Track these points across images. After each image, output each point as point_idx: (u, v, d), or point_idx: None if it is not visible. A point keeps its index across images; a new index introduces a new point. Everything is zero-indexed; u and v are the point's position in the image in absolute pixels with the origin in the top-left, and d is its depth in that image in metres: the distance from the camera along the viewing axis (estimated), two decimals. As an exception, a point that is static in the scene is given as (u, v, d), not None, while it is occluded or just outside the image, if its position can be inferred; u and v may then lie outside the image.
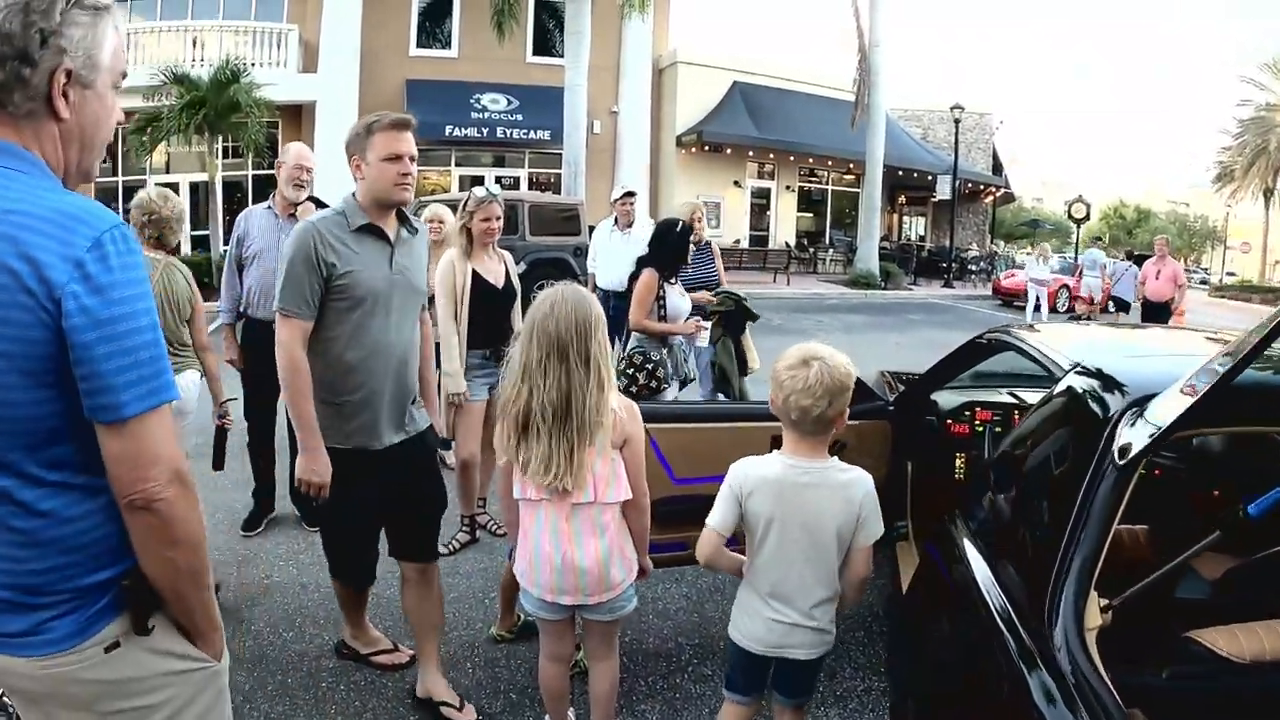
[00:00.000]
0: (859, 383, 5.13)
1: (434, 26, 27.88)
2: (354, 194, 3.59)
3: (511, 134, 26.96)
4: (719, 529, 3.00)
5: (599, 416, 3.00)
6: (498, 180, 26.19)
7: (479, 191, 5.48)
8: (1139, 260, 19.81)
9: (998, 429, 4.78)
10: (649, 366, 6.28)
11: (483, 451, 5.54)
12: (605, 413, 3.02)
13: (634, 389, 6.15)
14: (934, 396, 4.96)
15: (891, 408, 4.81)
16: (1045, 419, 3.00)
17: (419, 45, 27.51)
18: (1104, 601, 2.19)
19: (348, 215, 3.53)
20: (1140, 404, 2.35)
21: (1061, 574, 2.13)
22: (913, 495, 4.78)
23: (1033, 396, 5.04)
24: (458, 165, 28.25)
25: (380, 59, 25.28)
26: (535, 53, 28.44)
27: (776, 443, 3.40)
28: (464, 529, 5.79)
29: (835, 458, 3.05)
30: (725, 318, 7.05)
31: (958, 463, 4.88)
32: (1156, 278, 16.04)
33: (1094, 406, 2.59)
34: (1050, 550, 2.22)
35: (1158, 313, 15.88)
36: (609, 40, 26.64)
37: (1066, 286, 25.67)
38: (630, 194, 9.69)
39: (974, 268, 34.73)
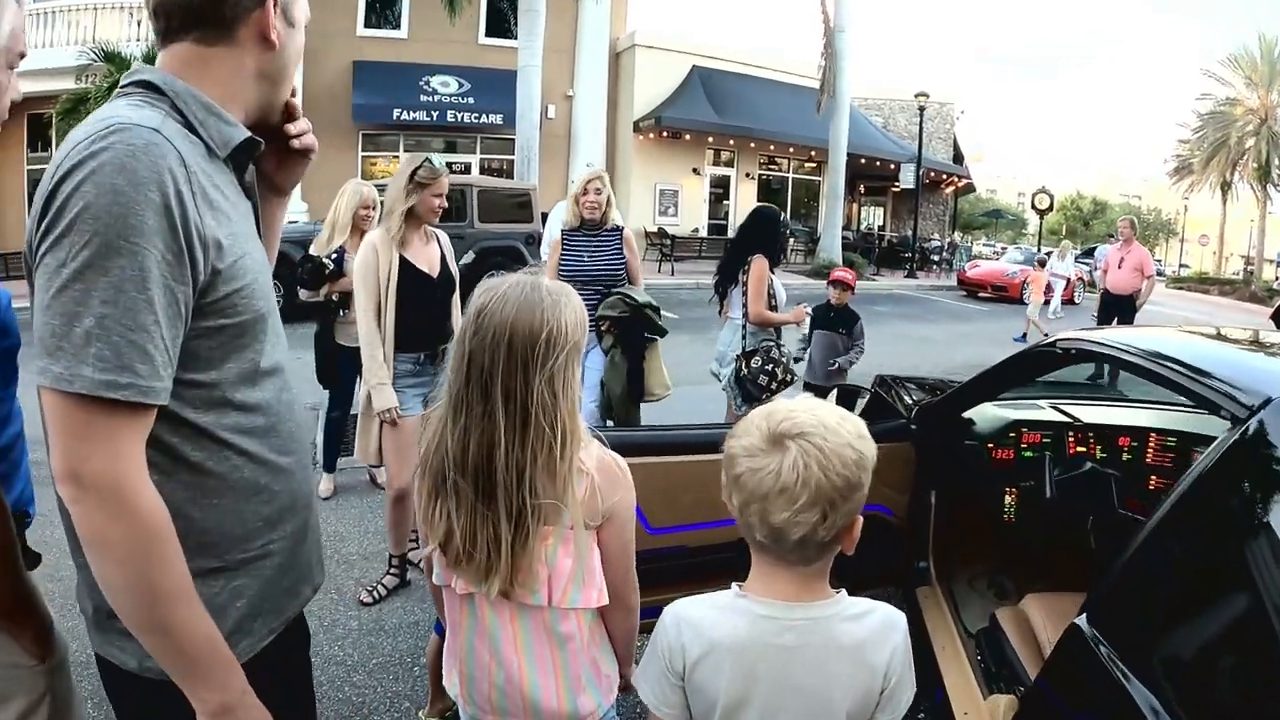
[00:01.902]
0: (875, 396, 4.35)
1: (383, 6, 27.18)
2: None
3: (463, 118, 26.39)
4: (659, 711, 1.89)
5: (553, 488, 1.97)
6: (448, 167, 25.54)
7: (435, 160, 4.74)
8: None
9: (1049, 454, 4.02)
10: (784, 361, 6.12)
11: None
12: (565, 484, 1.98)
13: (774, 386, 5.99)
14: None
15: (913, 426, 4.08)
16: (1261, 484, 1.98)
17: (367, 25, 26.78)
18: None
19: None
20: None
21: None
22: (936, 531, 4.10)
23: (1083, 411, 4.59)
24: (406, 150, 27.36)
25: (326, 39, 24.47)
26: (488, 34, 27.94)
27: None
28: (392, 571, 5.03)
29: (842, 590, 1.86)
30: (618, 327, 5.85)
31: (1008, 500, 4.13)
32: (1119, 266, 13.35)
33: None
34: None
35: (1120, 308, 13.20)
36: (565, 22, 26.25)
37: (1084, 279, 25.98)
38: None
39: (936, 258, 34.79)
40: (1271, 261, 55.11)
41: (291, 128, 1.96)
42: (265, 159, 1.93)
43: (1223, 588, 1.81)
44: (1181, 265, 63.99)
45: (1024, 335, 17.47)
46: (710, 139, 30.93)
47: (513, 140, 21.68)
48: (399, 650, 4.41)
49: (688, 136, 29.99)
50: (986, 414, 4.32)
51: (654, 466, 3.34)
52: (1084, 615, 2.06)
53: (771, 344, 6.18)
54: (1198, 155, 51.11)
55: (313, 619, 3.47)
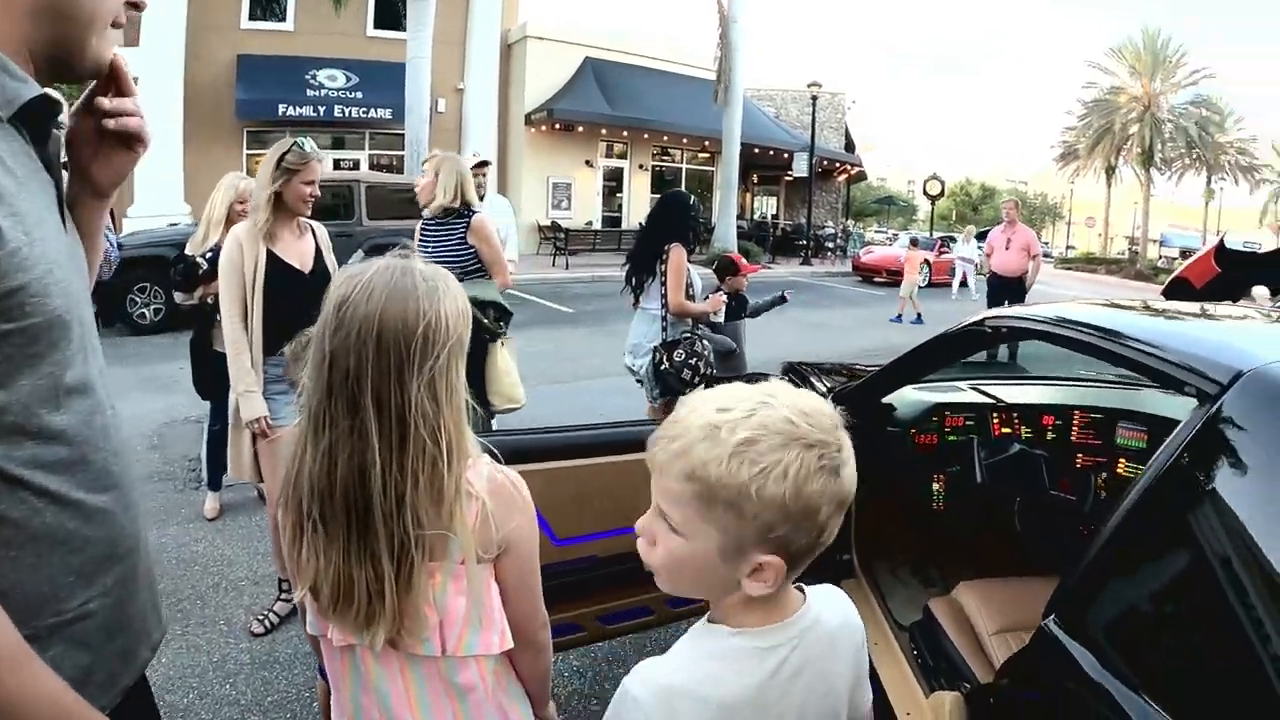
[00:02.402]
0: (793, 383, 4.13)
1: (268, -3, 26.53)
2: None
3: (350, 113, 25.83)
4: None
5: (438, 516, 1.66)
6: (336, 164, 25.11)
7: (306, 144, 4.34)
8: None
9: (975, 437, 3.97)
10: (706, 354, 5.90)
11: None
12: (452, 510, 1.67)
13: (696, 380, 5.76)
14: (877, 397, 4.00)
15: None
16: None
17: (252, 18, 25.99)
18: None
19: None
20: None
21: None
22: (858, 522, 3.80)
23: (1004, 392, 4.54)
24: (293, 147, 26.95)
25: (209, 32, 23.94)
26: (377, 25, 27.48)
27: None
28: (282, 596, 4.69)
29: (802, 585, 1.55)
30: None
31: (935, 487, 4.03)
32: (1006, 248, 13.49)
33: None
34: None
35: (1009, 290, 13.16)
36: (455, 13, 26.19)
37: (928, 261, 26.51)
38: (485, 163, 8.10)
39: (831, 245, 35.42)
40: (1155, 241, 57.35)
41: (105, 102, 1.53)
42: (81, 147, 1.57)
43: (1204, 579, 1.68)
44: (1069, 247, 66.22)
45: (899, 316, 18.34)
46: (603, 131, 30.95)
47: (402, 135, 21.40)
48: (295, 685, 4.03)
49: (580, 129, 29.90)
50: (907, 398, 4.22)
51: (560, 472, 3.09)
52: (1051, 617, 1.95)
53: (693, 336, 6.00)
54: (1083, 141, 53.65)
55: (200, 654, 3.43)
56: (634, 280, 6.33)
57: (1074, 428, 4.24)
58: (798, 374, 4.43)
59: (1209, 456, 1.79)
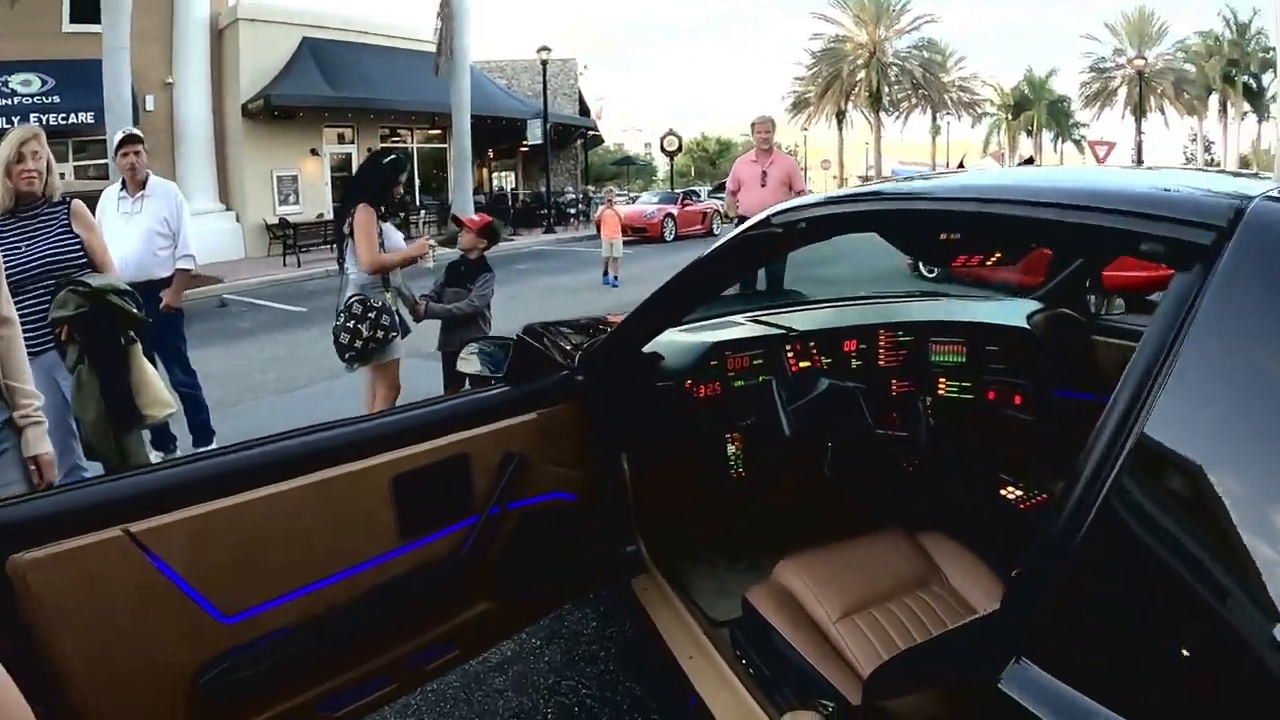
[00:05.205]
0: (525, 345, 3.27)
1: (-52, -3, 24.08)
2: None
3: (48, 120, 23.15)
4: None
5: None
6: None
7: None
8: None
9: (772, 380, 3.42)
10: (371, 315, 5.51)
11: None
12: None
13: (358, 344, 5.47)
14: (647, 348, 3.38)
15: (579, 376, 3.13)
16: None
17: (-74, 19, 23.55)
18: None
19: None
20: None
21: None
22: (639, 505, 3.34)
23: (791, 319, 4.07)
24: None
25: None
26: (74, 19, 24.56)
27: (399, 481, 2.41)
28: None
29: None
30: (79, 330, 4.44)
31: (730, 449, 3.59)
32: (762, 184, 10.24)
33: None
34: None
35: None
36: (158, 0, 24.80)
37: (672, 215, 27.47)
38: (133, 138, 6.71)
39: (573, 211, 36.51)
40: (890, 177, 61.18)
41: None
42: None
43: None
44: (808, 190, 68.92)
45: (609, 277, 18.68)
46: (326, 115, 29.77)
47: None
48: None
49: (302, 115, 28.61)
50: (675, 344, 3.64)
51: (210, 518, 2.16)
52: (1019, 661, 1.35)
53: (363, 298, 5.55)
54: (813, 90, 56.92)
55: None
56: (336, 249, 6.09)
57: (880, 350, 3.92)
58: (535, 336, 3.52)
59: (1221, 330, 1.27)
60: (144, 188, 6.59)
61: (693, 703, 2.64)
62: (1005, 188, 1.90)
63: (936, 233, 2.25)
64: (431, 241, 6.25)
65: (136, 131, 7.02)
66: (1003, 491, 3.38)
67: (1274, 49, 39.03)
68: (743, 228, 2.56)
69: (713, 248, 2.70)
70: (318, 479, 2.34)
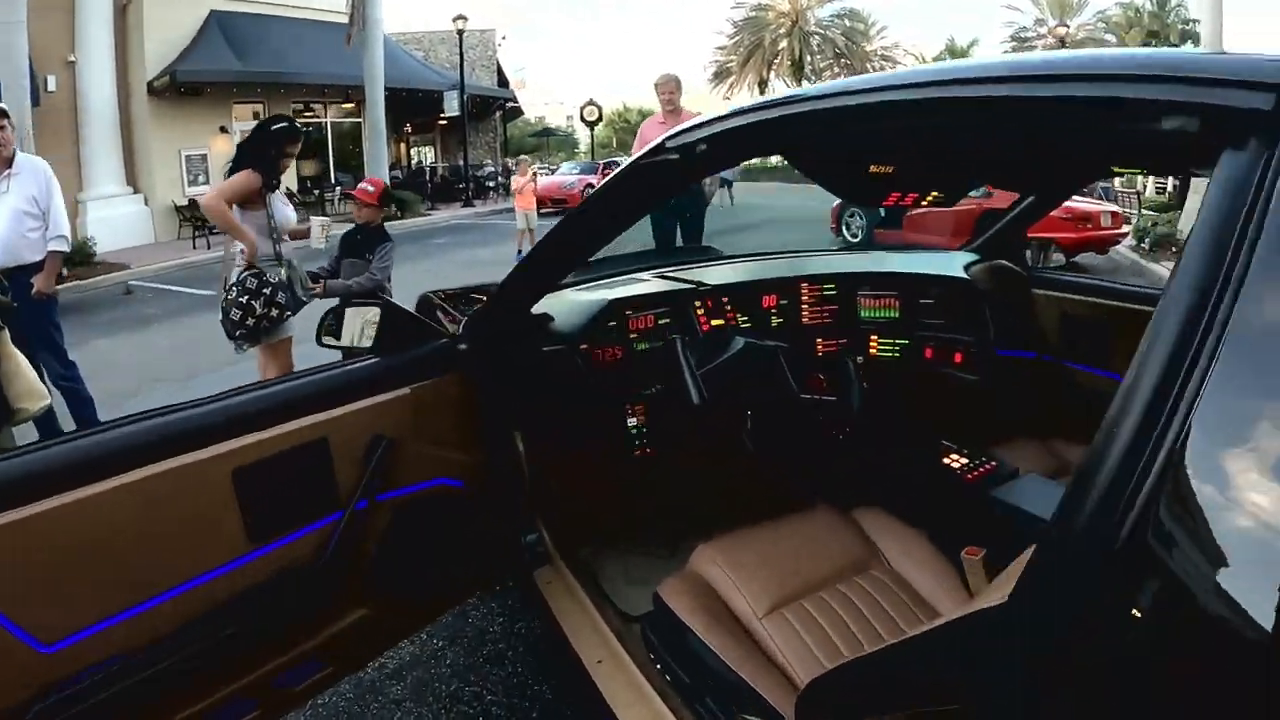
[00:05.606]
0: (394, 310, 2.83)
1: None
2: None
3: None
4: None
5: None
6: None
7: None
8: None
9: (679, 339, 3.01)
10: (266, 291, 5.31)
11: None
12: None
13: (250, 322, 5.25)
14: (538, 309, 3.09)
15: (463, 345, 2.82)
16: None
17: None
18: None
19: None
20: None
21: None
22: (536, 489, 3.08)
23: (700, 274, 3.75)
24: None
25: None
26: None
27: (242, 475, 2.12)
28: None
29: None
30: None
31: (631, 420, 3.30)
32: None
33: None
34: None
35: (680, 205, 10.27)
36: (58, -27, 23.87)
37: (592, 185, 27.40)
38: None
39: (492, 184, 36.29)
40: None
41: None
42: None
43: None
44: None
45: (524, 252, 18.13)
46: (235, 90, 28.39)
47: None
48: None
49: (209, 90, 27.41)
50: (569, 303, 3.34)
51: (10, 530, 1.81)
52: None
53: (257, 273, 5.35)
54: (735, 59, 57.09)
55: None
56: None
57: (804, 306, 3.64)
58: (428, 305, 3.37)
59: None
60: (10, 165, 6.16)
61: None
62: (978, 66, 1.48)
63: (871, 146, 1.90)
64: (324, 219, 6.05)
65: (2, 106, 6.67)
66: (945, 460, 2.99)
67: (1194, 21, 39.70)
68: (634, 156, 2.22)
69: (602, 183, 2.35)
70: (139, 477, 1.98)
